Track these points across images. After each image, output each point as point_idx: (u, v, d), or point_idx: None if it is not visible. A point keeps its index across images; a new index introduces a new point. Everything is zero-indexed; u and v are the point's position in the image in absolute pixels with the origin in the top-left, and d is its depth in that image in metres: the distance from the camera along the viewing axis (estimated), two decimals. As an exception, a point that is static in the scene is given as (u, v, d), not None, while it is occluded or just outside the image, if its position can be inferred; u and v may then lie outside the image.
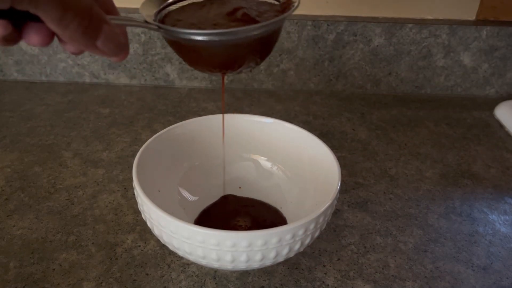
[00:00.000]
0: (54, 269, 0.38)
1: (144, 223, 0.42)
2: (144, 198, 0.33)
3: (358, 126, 0.62)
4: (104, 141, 0.56)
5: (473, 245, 0.42)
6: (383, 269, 0.39)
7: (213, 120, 0.46)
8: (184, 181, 0.44)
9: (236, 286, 0.37)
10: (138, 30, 0.65)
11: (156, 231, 0.34)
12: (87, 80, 0.71)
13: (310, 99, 0.68)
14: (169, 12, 0.34)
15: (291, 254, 0.34)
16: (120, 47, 0.25)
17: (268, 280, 0.38)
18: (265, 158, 0.47)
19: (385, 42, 0.67)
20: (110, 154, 0.53)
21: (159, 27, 0.29)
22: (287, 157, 0.45)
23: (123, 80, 0.71)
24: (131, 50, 0.67)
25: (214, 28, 0.30)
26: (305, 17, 0.66)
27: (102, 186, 0.48)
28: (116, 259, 0.39)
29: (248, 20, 0.31)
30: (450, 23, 0.66)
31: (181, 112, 0.63)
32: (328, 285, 0.38)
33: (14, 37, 0.23)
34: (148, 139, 0.41)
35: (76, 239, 0.41)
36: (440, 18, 0.68)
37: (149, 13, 0.31)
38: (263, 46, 0.33)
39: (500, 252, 0.42)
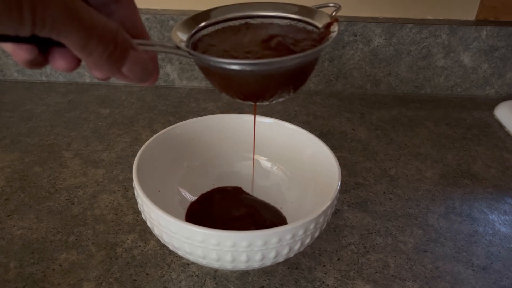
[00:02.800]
0: (54, 269, 0.38)
1: (144, 223, 0.42)
2: (144, 198, 0.33)
3: (358, 126, 0.62)
4: (104, 141, 0.56)
5: (473, 245, 0.42)
6: (383, 269, 0.39)
7: (213, 120, 0.46)
8: (184, 181, 0.44)
9: (236, 286, 0.37)
10: (138, 30, 0.65)
11: (156, 231, 0.34)
12: (87, 80, 0.71)
13: (310, 99, 0.68)
14: (203, 36, 0.32)
15: (291, 254, 0.34)
16: (148, 73, 0.24)
17: (268, 280, 0.38)
18: (265, 158, 0.47)
19: (385, 42, 0.67)
20: (110, 154, 0.53)
21: (190, 54, 0.28)
22: (287, 157, 0.45)
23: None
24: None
25: (247, 57, 0.29)
26: (305, 17, 0.66)
27: (102, 186, 0.48)
28: (116, 259, 0.39)
29: (283, 49, 0.29)
30: (450, 23, 0.66)
31: (181, 112, 0.63)
32: (328, 285, 0.38)
33: (40, 61, 0.22)
34: (148, 139, 0.41)
35: (76, 239, 0.41)
36: (440, 18, 0.68)
37: (182, 37, 0.30)
38: (297, 77, 0.31)
39: (500, 252, 0.42)
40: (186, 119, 0.45)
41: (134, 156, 0.39)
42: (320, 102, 0.68)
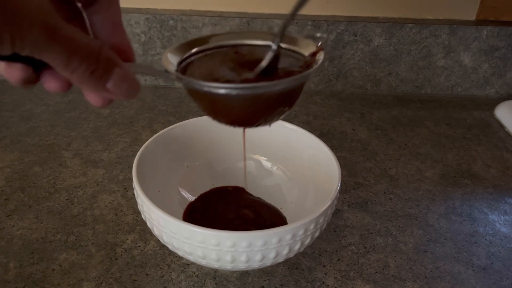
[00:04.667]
0: (54, 269, 0.38)
1: (144, 223, 0.42)
2: (144, 198, 0.33)
3: (358, 126, 0.62)
4: (104, 141, 0.56)
5: (473, 245, 0.42)
6: (383, 269, 0.39)
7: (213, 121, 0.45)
8: (184, 181, 0.44)
9: (236, 286, 0.37)
10: (138, 30, 0.65)
11: (156, 231, 0.34)
12: (87, 80, 0.71)
13: (310, 99, 0.68)
14: (193, 61, 0.32)
15: (291, 254, 0.34)
16: (134, 89, 0.25)
17: (268, 280, 0.38)
18: (265, 158, 0.47)
19: (385, 42, 0.67)
20: (110, 154, 0.53)
21: (178, 77, 0.29)
22: (287, 157, 0.45)
23: (123, 80, 0.70)
24: (131, 50, 0.67)
25: (233, 81, 0.29)
26: (305, 17, 0.66)
27: (102, 186, 0.48)
28: (116, 259, 0.39)
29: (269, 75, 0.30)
30: (450, 23, 0.66)
31: (181, 112, 0.63)
32: (328, 285, 0.37)
33: (33, 79, 0.22)
34: (148, 139, 0.41)
35: (76, 239, 0.41)
36: (440, 18, 0.68)
37: (172, 62, 0.31)
38: (281, 103, 0.31)
39: (500, 252, 0.42)
40: (186, 119, 0.45)
41: (134, 156, 0.39)
42: (320, 102, 0.67)
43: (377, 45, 0.67)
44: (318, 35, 0.33)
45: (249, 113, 0.31)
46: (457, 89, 0.71)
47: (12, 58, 0.20)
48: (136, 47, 0.67)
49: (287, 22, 0.29)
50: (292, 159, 0.45)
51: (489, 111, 0.67)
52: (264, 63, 0.30)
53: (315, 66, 0.30)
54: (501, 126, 0.63)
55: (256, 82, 0.28)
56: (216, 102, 0.30)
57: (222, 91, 0.28)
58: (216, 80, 0.29)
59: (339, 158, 0.39)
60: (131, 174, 0.36)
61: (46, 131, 0.58)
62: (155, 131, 0.50)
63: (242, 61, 0.32)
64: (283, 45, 0.33)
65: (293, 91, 0.31)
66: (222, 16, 0.65)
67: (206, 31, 0.65)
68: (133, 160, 0.38)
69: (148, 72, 0.27)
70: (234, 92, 0.28)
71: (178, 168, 0.44)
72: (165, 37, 0.66)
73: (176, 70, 0.30)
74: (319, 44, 0.32)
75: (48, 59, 0.20)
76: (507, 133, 0.62)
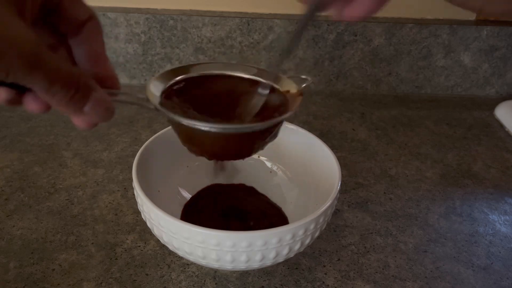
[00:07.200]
0: (54, 269, 0.38)
1: (144, 223, 0.42)
2: (144, 198, 0.33)
3: (358, 126, 0.62)
4: (104, 141, 0.56)
5: (473, 245, 0.42)
6: (383, 269, 0.39)
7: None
8: (184, 181, 0.44)
9: (236, 286, 0.37)
10: (138, 30, 0.65)
11: (156, 231, 0.34)
12: (87, 80, 0.71)
13: (310, 99, 0.68)
14: (176, 90, 0.33)
15: (291, 254, 0.34)
16: (110, 112, 0.27)
17: (268, 280, 0.38)
18: (266, 158, 0.47)
19: (385, 42, 0.66)
20: (110, 154, 0.53)
21: (158, 109, 0.30)
22: (287, 157, 0.45)
23: (123, 80, 0.70)
24: (131, 50, 0.67)
25: (210, 119, 0.29)
26: (305, 17, 0.65)
27: (102, 186, 0.48)
28: (116, 259, 0.39)
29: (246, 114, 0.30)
30: (450, 23, 0.66)
31: (181, 112, 0.63)
32: (328, 285, 0.37)
33: (16, 101, 0.24)
34: (148, 139, 0.41)
35: (76, 239, 0.41)
36: (440, 18, 0.68)
37: (155, 91, 0.31)
38: (258, 140, 0.31)
39: (500, 252, 0.42)
40: (186, 119, 0.45)
41: (133, 156, 0.39)
42: (320, 102, 0.67)
43: (377, 45, 0.67)
44: (303, 77, 0.33)
45: (220, 148, 0.31)
46: (457, 89, 0.71)
47: None
48: (136, 47, 0.67)
49: (277, 67, 0.30)
50: (292, 159, 0.45)
51: (489, 111, 0.67)
52: (254, 110, 0.30)
53: (289, 112, 0.30)
54: (501, 126, 0.63)
55: (230, 123, 0.29)
56: (192, 135, 0.30)
57: (198, 127, 0.28)
58: (194, 116, 0.30)
59: (339, 158, 0.39)
60: (131, 174, 0.36)
61: (46, 131, 0.57)
62: (155, 131, 0.50)
63: (224, 93, 0.32)
64: (267, 81, 0.33)
65: (268, 130, 0.31)
66: (222, 16, 0.65)
67: (206, 31, 0.65)
68: (133, 160, 0.38)
69: (130, 100, 0.29)
70: (214, 129, 0.28)
71: (178, 168, 0.44)
72: (165, 37, 0.66)
73: (160, 102, 0.31)
74: (302, 86, 0.32)
75: (31, 85, 0.21)
76: (507, 133, 0.62)
